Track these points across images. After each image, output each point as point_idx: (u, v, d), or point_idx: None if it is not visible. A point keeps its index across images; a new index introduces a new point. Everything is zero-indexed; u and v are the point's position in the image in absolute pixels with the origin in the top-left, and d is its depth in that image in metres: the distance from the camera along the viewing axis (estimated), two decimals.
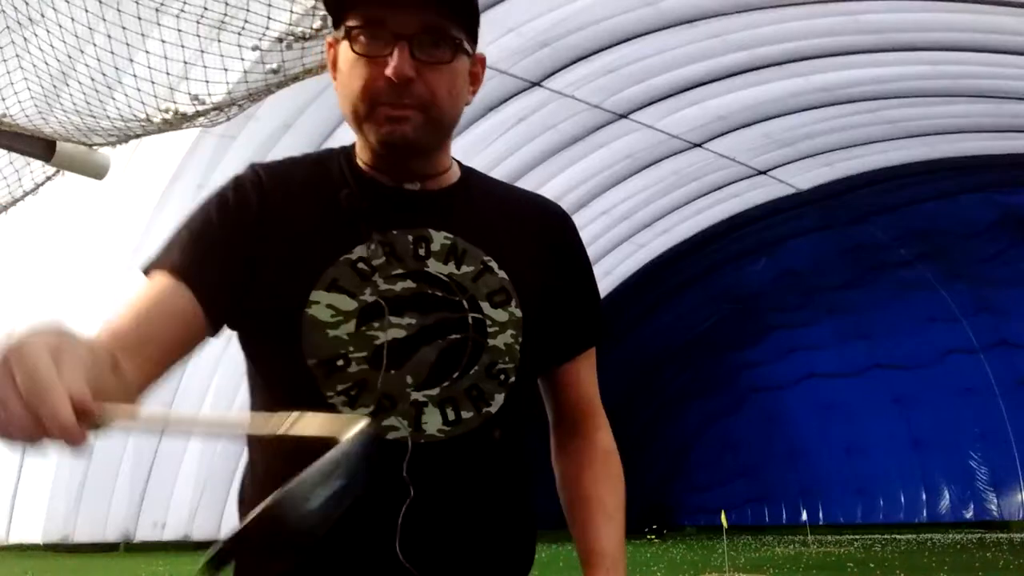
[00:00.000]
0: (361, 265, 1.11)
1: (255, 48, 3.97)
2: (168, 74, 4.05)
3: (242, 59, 4.05)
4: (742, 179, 17.23)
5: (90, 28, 3.81)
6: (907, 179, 17.15)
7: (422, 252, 1.13)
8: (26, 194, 4.44)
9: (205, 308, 1.07)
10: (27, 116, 4.03)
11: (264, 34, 3.88)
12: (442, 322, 1.11)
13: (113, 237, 13.04)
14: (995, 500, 20.09)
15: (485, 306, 1.13)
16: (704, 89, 13.84)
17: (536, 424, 1.25)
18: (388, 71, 1.05)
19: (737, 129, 15.18)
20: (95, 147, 4.24)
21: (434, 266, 1.13)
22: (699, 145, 15.62)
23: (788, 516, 23.34)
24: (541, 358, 1.22)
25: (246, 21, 3.78)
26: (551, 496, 1.30)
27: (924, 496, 21.16)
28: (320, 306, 1.09)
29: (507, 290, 1.15)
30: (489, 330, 1.13)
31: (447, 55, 1.08)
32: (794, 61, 12.87)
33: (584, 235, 1.31)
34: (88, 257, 13.27)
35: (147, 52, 3.96)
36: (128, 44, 3.89)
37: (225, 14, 3.76)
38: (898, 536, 19.47)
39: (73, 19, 3.76)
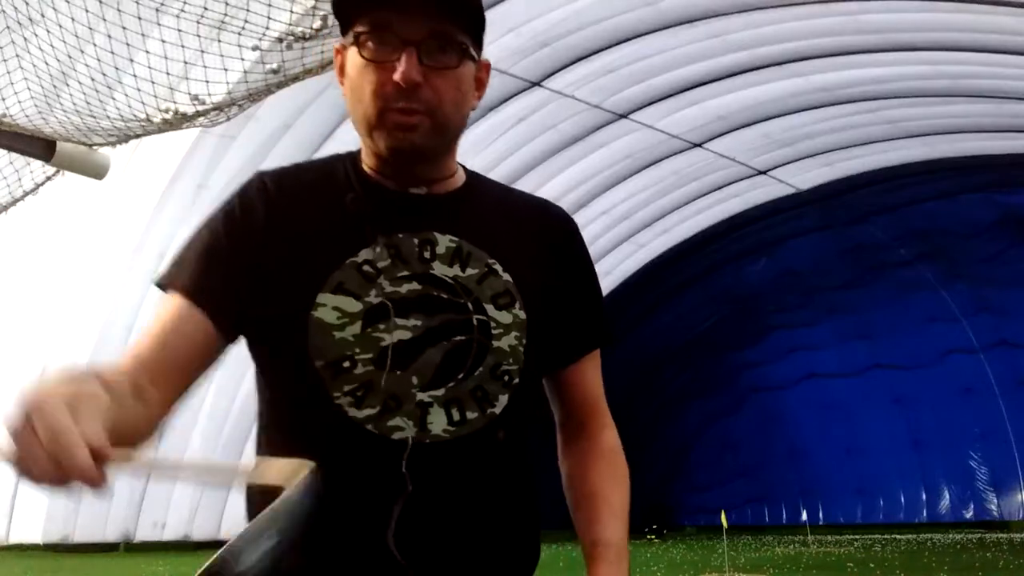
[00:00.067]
0: (367, 268, 1.12)
1: (255, 48, 3.97)
2: (168, 74, 4.05)
3: (242, 59, 4.06)
4: (742, 179, 17.24)
5: (90, 28, 3.81)
6: (907, 179, 17.15)
7: (427, 255, 1.14)
8: (26, 194, 4.45)
9: (217, 325, 1.11)
10: (27, 116, 4.03)
11: (264, 34, 3.88)
12: (447, 324, 1.12)
13: (113, 237, 13.05)
14: (995, 500, 20.10)
15: (490, 308, 1.14)
16: (704, 89, 13.84)
17: (539, 425, 1.25)
18: (396, 76, 1.06)
19: (737, 129, 15.18)
20: (95, 147, 4.24)
21: (439, 268, 1.14)
22: (699, 145, 15.62)
23: (788, 516, 23.35)
24: (545, 360, 1.24)
25: (246, 21, 3.78)
26: (552, 497, 1.29)
27: (924, 496, 21.17)
28: (326, 308, 1.10)
29: (511, 292, 1.17)
30: (493, 332, 1.14)
31: (454, 60, 1.10)
32: (794, 61, 12.87)
33: (584, 235, 1.32)
34: (88, 257, 13.27)
35: (147, 52, 3.97)
36: (128, 44, 3.89)
37: (225, 14, 3.76)
38: (898, 536, 19.47)
39: (73, 19, 3.76)
